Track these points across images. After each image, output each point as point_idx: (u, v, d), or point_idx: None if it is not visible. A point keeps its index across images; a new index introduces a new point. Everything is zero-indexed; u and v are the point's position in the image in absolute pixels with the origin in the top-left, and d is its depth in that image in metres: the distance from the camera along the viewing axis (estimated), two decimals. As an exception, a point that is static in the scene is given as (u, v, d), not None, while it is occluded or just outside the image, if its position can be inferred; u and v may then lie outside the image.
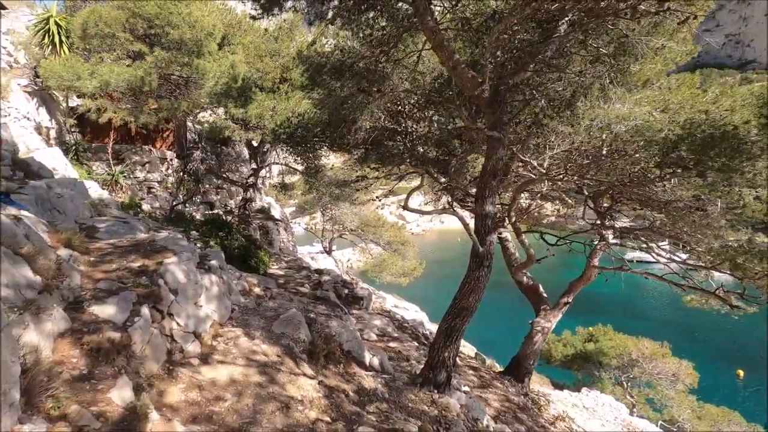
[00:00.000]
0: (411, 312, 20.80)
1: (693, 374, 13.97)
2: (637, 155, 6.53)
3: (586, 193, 8.30)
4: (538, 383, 15.19)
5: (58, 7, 9.93)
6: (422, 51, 6.42)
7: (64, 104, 9.76)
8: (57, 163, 7.88)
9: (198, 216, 11.24)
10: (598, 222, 7.99)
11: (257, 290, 7.17)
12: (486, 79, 5.08)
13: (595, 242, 8.33)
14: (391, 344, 6.74)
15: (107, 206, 7.69)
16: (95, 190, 7.77)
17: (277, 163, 17.89)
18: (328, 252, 22.11)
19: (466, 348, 16.12)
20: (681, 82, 8.03)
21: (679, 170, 6.33)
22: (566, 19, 5.69)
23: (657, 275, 7.47)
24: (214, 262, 5.36)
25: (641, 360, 14.33)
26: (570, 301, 8.59)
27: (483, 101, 5.13)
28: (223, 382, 3.27)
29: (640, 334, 15.39)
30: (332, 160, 19.09)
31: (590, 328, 17.10)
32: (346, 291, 9.03)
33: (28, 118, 8.46)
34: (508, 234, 9.19)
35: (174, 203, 9.75)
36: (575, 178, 6.99)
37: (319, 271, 11.83)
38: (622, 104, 6.83)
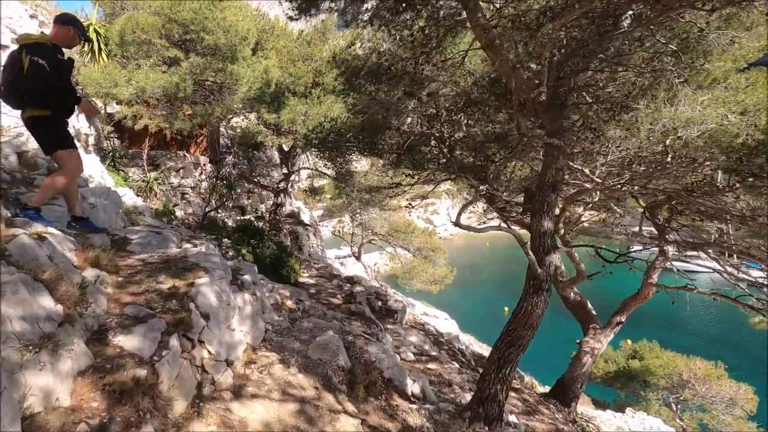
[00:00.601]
0: (441, 321, 20.23)
1: (753, 399, 12.80)
2: (708, 163, 5.84)
3: (643, 204, 7.60)
4: (579, 402, 14.32)
5: (98, 15, 10.05)
6: (468, 51, 5.95)
7: (103, 111, 9.82)
8: (93, 170, 7.84)
9: (230, 222, 11.12)
10: (648, 232, 7.28)
11: (289, 303, 6.87)
12: (543, 81, 4.58)
13: (651, 256, 7.61)
14: (431, 365, 6.28)
15: (141, 214, 7.58)
16: (130, 198, 7.67)
17: (307, 168, 17.74)
18: (357, 257, 21.82)
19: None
20: (753, 81, 7.23)
21: (757, 180, 5.61)
22: (629, 13, 5.12)
23: (729, 297, 6.69)
24: (247, 277, 5.06)
25: (693, 381, 13.25)
26: (623, 320, 7.89)
27: (539, 105, 4.63)
28: (256, 423, 2.91)
29: (690, 353, 14.28)
30: (363, 165, 18.84)
31: (633, 344, 16.05)
32: (380, 303, 8.63)
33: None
34: (499, 231, 8.54)
35: (207, 210, 9.62)
36: (635, 188, 6.34)
37: (351, 280, 11.49)
38: (689, 106, 6.15)
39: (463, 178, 10.14)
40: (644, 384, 14.37)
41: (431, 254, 19.56)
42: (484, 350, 16.66)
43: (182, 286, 3.47)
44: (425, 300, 23.88)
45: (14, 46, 3.39)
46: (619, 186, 6.37)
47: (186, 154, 13.02)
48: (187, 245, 5.89)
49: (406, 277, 19.72)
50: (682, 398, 13.83)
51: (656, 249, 7.42)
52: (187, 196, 11.29)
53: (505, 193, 10.46)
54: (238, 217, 13.28)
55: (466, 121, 9.10)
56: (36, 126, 3.28)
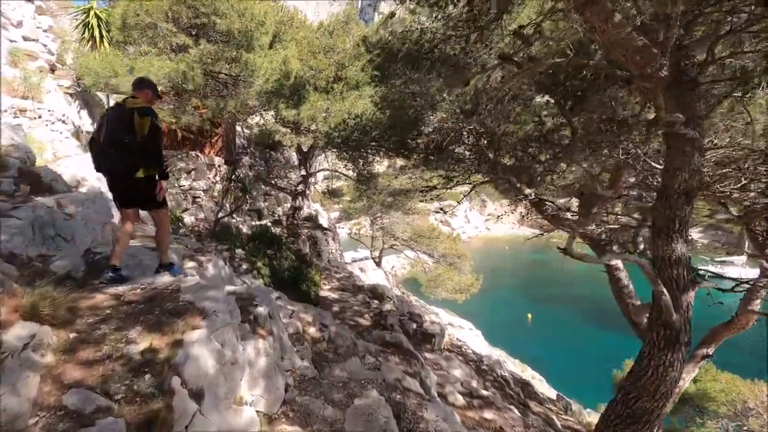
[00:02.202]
0: (467, 331, 18.88)
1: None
2: None
3: (735, 213, 6.19)
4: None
5: None
6: (543, 19, 4.65)
7: (106, 104, 8.81)
8: (89, 172, 6.79)
9: (245, 228, 10.01)
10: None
11: (312, 331, 5.67)
12: (667, 49, 3.29)
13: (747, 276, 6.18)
14: (487, 414, 5.01)
15: (143, 223, 6.49)
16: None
17: (327, 170, 16.61)
18: (378, 263, 20.60)
19: (539, 383, 14.02)
20: None
21: None
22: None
23: None
24: (261, 310, 3.87)
25: (761, 409, 11.65)
26: (711, 354, 6.47)
27: (659, 83, 3.33)
28: None
29: (750, 374, 12.64)
30: (382, 167, 17.63)
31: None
32: (414, 326, 7.38)
33: (63, 122, 7.51)
34: (618, 260, 7.19)
35: (219, 215, 8.52)
36: (750, 193, 4.96)
37: (376, 293, 10.27)
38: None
39: (507, 182, 8.85)
40: (700, 410, 12.76)
41: (456, 261, 18.22)
42: (517, 367, 15.26)
43: (164, 346, 2.28)
44: (448, 308, 22.56)
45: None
46: (727, 192, 4.99)
47: (199, 155, 11.99)
48: (189, 265, 4.74)
49: (431, 285, 18.41)
50: (746, 429, 12.20)
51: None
52: (198, 200, 10.23)
53: (550, 196, 9.12)
54: (254, 222, 12.19)
55: (516, 113, 7.81)
56: (147, 185, 3.38)
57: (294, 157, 19.04)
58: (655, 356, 2.97)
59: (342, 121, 10.43)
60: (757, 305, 5.95)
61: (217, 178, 13.27)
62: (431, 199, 10.17)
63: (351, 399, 3.33)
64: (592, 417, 11.06)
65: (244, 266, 7.37)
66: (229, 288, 4.25)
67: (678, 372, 2.93)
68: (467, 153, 9.43)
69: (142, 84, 3.53)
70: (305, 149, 15.61)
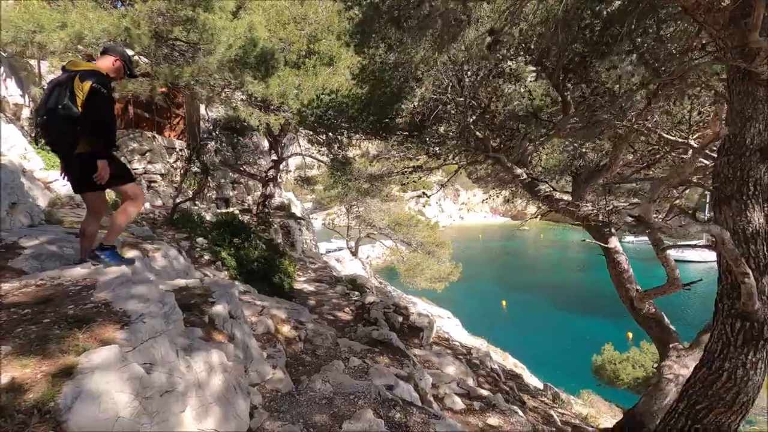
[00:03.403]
0: (446, 321, 18.43)
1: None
2: None
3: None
4: (608, 413, 12.65)
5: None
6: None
7: (37, 72, 7.53)
8: (11, 147, 5.63)
9: (208, 216, 8.96)
10: None
11: (286, 330, 4.82)
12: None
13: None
14: (491, 419, 4.33)
15: (78, 207, 5.42)
16: (63, 185, 5.48)
17: (300, 154, 15.57)
18: (354, 253, 19.77)
19: (522, 371, 13.64)
20: None
21: None
22: None
23: None
24: (219, 310, 3.00)
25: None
26: (717, 339, 6.04)
27: (718, 15, 2.65)
28: None
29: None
30: (356, 153, 16.76)
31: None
32: (401, 319, 6.63)
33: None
34: (617, 242, 6.66)
35: (177, 201, 7.47)
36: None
37: (355, 284, 9.47)
38: None
39: (496, 161, 8.19)
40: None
41: (435, 249, 17.62)
42: (500, 356, 14.87)
43: (40, 379, 1.39)
44: (426, 297, 22.06)
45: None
46: None
47: (156, 136, 10.75)
48: (131, 254, 3.79)
49: (409, 274, 17.76)
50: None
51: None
52: (155, 184, 9.08)
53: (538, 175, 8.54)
54: (219, 210, 11.11)
55: (512, 86, 7.11)
56: (88, 162, 2.80)
57: (264, 143, 17.87)
58: (731, 356, 2.32)
59: (315, 97, 9.48)
60: None
61: (179, 163, 12.05)
62: (413, 181, 9.43)
63: (338, 422, 2.53)
64: (579, 406, 10.70)
65: (207, 257, 6.40)
66: (177, 282, 3.35)
67: (762, 375, 2.29)
68: (451, 133, 8.71)
69: (108, 50, 3.09)
70: (276, 132, 14.53)
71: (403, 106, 8.88)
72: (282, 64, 9.88)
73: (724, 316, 2.37)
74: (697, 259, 37.17)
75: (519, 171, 7.89)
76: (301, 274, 9.89)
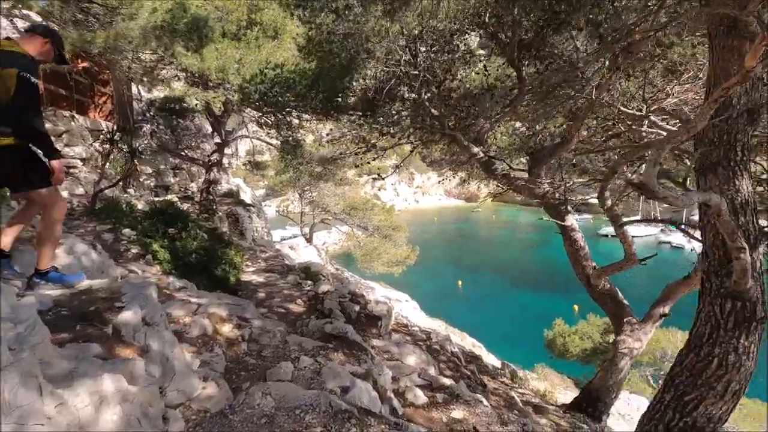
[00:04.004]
0: (404, 304, 18.32)
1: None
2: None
3: (688, 164, 5.77)
4: (560, 385, 13.08)
5: None
6: None
7: None
8: None
9: (140, 205, 8.01)
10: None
11: (227, 330, 4.25)
12: None
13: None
14: (455, 412, 4.04)
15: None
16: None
17: (246, 136, 14.57)
18: (309, 240, 19.08)
19: (479, 350, 13.78)
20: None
21: None
22: None
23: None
24: (128, 316, 2.41)
25: (675, 354, 12.40)
26: (668, 312, 6.13)
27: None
28: None
29: (669, 325, 13.46)
30: (308, 136, 15.98)
31: (603, 317, 15.05)
32: (357, 308, 6.21)
33: None
34: (574, 220, 6.57)
35: (98, 188, 6.52)
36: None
37: (309, 273, 8.93)
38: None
39: (452, 140, 7.86)
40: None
41: (392, 233, 17.32)
42: (458, 336, 14.95)
43: None
44: (384, 282, 21.85)
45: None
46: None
47: (75, 116, 9.47)
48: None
49: (366, 259, 17.38)
50: (662, 372, 13.02)
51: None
52: (74, 170, 7.96)
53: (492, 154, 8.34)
54: (154, 198, 10.08)
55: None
56: (13, 157, 2.45)
57: (207, 126, 16.60)
58: (721, 340, 2.08)
59: (259, 72, 8.66)
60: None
61: (106, 147, 10.78)
62: (367, 162, 8.94)
63: (281, 447, 2.05)
64: (535, 380, 10.90)
65: (134, 250, 5.60)
66: (84, 283, 2.70)
67: (755, 360, 2.07)
68: (405, 112, 8.28)
69: (36, 30, 2.67)
70: (218, 113, 13.44)
71: (354, 82, 8.31)
72: (219, 35, 8.95)
73: (711, 296, 2.13)
74: (635, 234, 39.75)
75: (476, 150, 7.61)
76: (250, 264, 9.19)
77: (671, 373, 2.32)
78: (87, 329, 2.20)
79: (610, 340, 13.93)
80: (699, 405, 2.10)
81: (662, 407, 2.26)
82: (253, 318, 4.80)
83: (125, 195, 8.41)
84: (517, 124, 10.57)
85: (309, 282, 7.33)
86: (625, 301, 6.54)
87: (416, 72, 6.66)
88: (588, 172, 8.87)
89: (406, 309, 17.50)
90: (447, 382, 4.92)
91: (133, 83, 14.09)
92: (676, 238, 39.53)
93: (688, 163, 5.85)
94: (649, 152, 1.76)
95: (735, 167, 2.13)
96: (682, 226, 3.21)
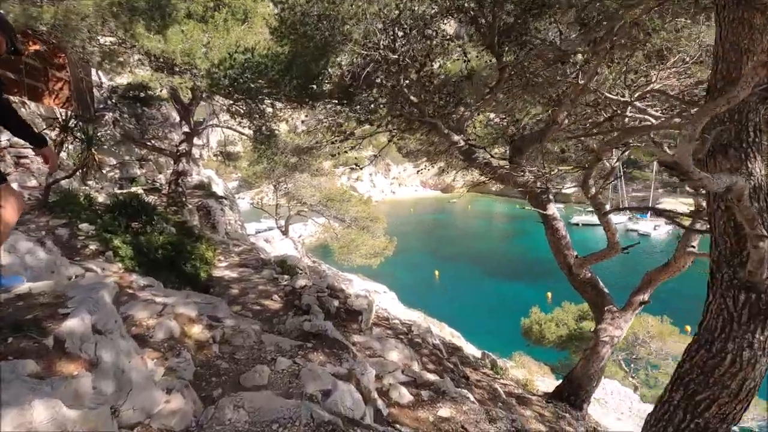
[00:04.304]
0: (383, 296, 18.17)
1: (705, 353, 12.63)
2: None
3: (670, 152, 5.75)
4: (538, 372, 13.25)
5: None
6: None
7: None
8: None
9: (101, 198, 7.46)
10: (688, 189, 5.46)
11: (197, 331, 3.92)
12: None
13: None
14: (442, 410, 3.86)
15: None
16: None
17: (216, 125, 13.96)
18: (284, 232, 18.60)
19: (458, 339, 13.77)
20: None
21: None
22: None
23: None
24: (73, 324, 2.07)
25: (648, 340, 12.76)
26: (647, 300, 6.15)
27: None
28: None
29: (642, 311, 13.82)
30: (282, 127, 15.47)
31: (577, 305, 15.33)
32: (336, 303, 5.95)
33: None
34: (555, 209, 6.49)
35: (51, 179, 5.98)
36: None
37: (285, 266, 8.59)
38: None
39: (432, 128, 7.64)
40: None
41: (369, 224, 17.07)
42: (437, 327, 14.90)
43: None
44: (362, 273, 21.63)
45: None
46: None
47: (26, 102, 8.73)
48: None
49: (344, 251, 17.08)
50: (635, 357, 13.39)
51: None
52: (25, 161, 7.30)
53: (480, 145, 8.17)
54: (117, 190, 9.47)
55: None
56: None
57: (174, 114, 15.82)
58: (735, 335, 1.94)
59: (228, 56, 8.16)
60: (695, 246, 5.62)
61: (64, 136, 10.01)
62: (345, 151, 8.61)
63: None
64: (513, 368, 10.94)
65: (93, 246, 5.14)
66: (23, 286, 2.33)
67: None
68: (383, 98, 7.99)
69: None
70: (185, 100, 12.77)
71: (330, 68, 7.96)
72: (184, 16, 8.39)
73: (723, 288, 1.99)
74: (599, 222, 40.76)
75: (456, 138, 7.41)
76: (222, 258, 8.76)
77: (680, 370, 2.18)
78: (21, 342, 1.86)
79: (585, 326, 14.22)
80: (712, 405, 1.96)
81: (671, 407, 2.11)
82: (225, 317, 4.47)
83: (84, 187, 7.81)
84: (491, 115, 10.48)
85: (285, 276, 7.00)
86: (606, 290, 6.53)
87: (395, 56, 6.37)
88: (567, 161, 8.84)
89: (385, 300, 17.35)
90: (431, 377, 4.75)
91: (92, 68, 13.22)
92: (643, 226, 40.91)
93: (668, 150, 5.81)
94: (687, 125, 1.56)
95: (747, 149, 1.98)
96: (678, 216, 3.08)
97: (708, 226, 4.96)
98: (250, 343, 3.97)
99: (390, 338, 5.62)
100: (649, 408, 10.91)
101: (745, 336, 1.93)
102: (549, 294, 26.77)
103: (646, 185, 47.04)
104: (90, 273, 4.40)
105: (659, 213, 5.16)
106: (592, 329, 14.00)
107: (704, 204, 5.55)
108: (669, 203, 44.43)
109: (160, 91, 12.48)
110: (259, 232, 34.34)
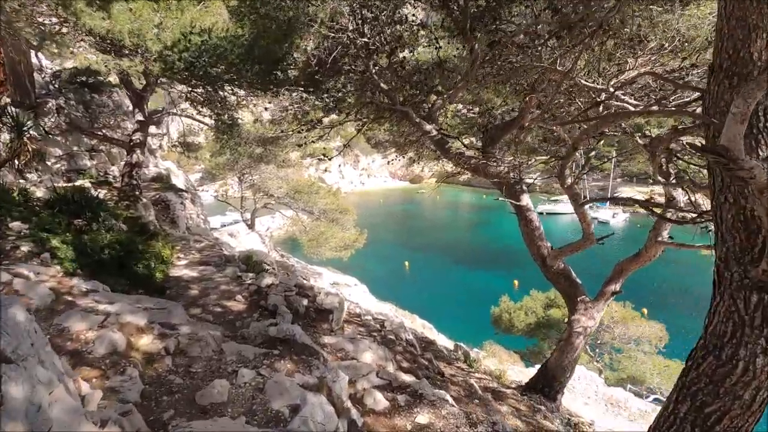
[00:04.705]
0: (354, 289, 17.88)
1: (665, 335, 13.15)
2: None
3: (641, 142, 5.71)
4: (508, 361, 13.40)
5: None
6: None
7: None
8: None
9: (40, 192, 6.71)
10: (660, 179, 5.44)
11: (146, 343, 3.49)
12: None
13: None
14: (419, 417, 3.61)
15: None
16: None
17: (171, 113, 13.11)
18: (251, 226, 17.89)
19: (430, 331, 13.70)
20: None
21: None
22: None
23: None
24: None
25: (612, 325, 13.14)
26: (618, 290, 6.15)
27: None
28: None
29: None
30: (246, 115, 14.76)
31: (544, 293, 15.60)
32: (305, 302, 5.58)
33: None
34: (528, 199, 6.37)
35: (-25, 172, 5.25)
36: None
37: (250, 263, 8.10)
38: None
39: (404, 116, 7.33)
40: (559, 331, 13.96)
41: (339, 216, 16.66)
42: (408, 318, 14.78)
43: None
44: (331, 266, 21.22)
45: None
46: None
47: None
48: None
49: (313, 245, 16.61)
50: (600, 342, 13.77)
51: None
52: (-52, 151, 6.44)
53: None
54: (61, 184, 8.64)
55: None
56: None
57: (128, 102, 14.74)
58: (747, 340, 1.76)
59: (182, 37, 7.52)
60: (665, 236, 5.63)
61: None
62: (312, 141, 8.18)
63: None
64: (486, 360, 10.95)
65: (26, 248, 4.53)
66: None
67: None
68: (351, 86, 7.61)
69: None
70: (138, 85, 11.88)
71: (295, 53, 7.49)
72: (133, -6, 7.64)
73: (733, 288, 1.81)
74: (563, 211, 42.06)
75: (428, 127, 7.15)
76: (182, 256, 8.16)
77: (685, 379, 2.00)
78: None
79: (552, 314, 14.48)
80: (723, 417, 1.79)
81: (677, 420, 1.93)
82: (181, 323, 4.03)
83: (21, 181, 7.02)
84: (459, 106, 10.31)
85: (251, 275, 6.56)
86: (578, 280, 6.49)
87: (364, 40, 5.99)
88: (537, 151, 8.78)
89: (356, 293, 17.07)
90: (407, 379, 4.50)
91: (32, 50, 12.05)
92: (603, 214, 42.42)
93: (639, 141, 5.77)
94: (736, 101, 1.32)
95: (758, 135, 1.80)
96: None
97: (678, 216, 4.92)
98: (209, 353, 3.57)
99: (363, 338, 5.33)
100: (615, 391, 11.13)
101: (759, 341, 1.76)
102: (516, 282, 27.33)
103: (605, 175, 48.82)
104: (19, 279, 3.84)
105: (633, 204, 5.12)
106: (563, 318, 14.28)
107: (675, 195, 5.56)
108: (627, 192, 46.28)
109: (108, 75, 11.53)
110: (225, 226, 33.14)
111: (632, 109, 4.21)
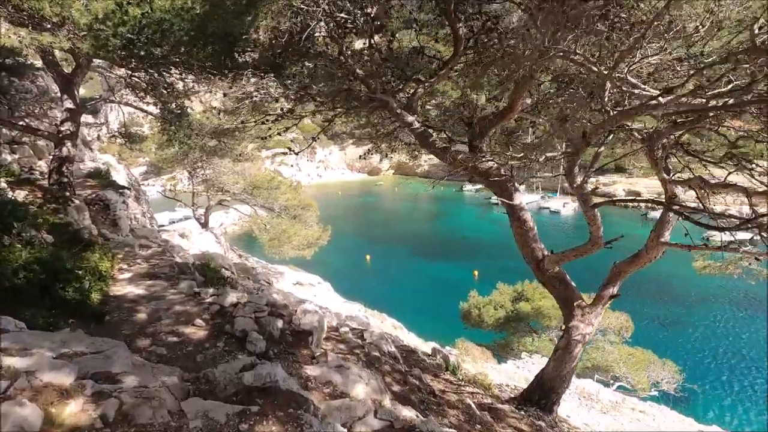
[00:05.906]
0: (318, 288, 16.95)
1: (629, 326, 13.41)
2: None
3: (638, 136, 5.32)
4: (481, 358, 13.12)
5: None
6: None
7: None
8: None
9: (-68, 196, 5.28)
10: (664, 177, 5.09)
11: (74, 412, 2.58)
12: None
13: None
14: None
15: None
16: None
17: (111, 100, 11.52)
18: (204, 225, 16.40)
19: (401, 331, 13.12)
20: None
21: None
22: None
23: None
24: None
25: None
26: (616, 293, 5.78)
27: None
28: None
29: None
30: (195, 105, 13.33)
31: (513, 285, 15.53)
32: (280, 323, 4.70)
33: None
34: (522, 198, 5.85)
35: None
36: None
37: (213, 276, 7.04)
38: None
39: (382, 105, 6.54)
40: (536, 326, 13.93)
41: (301, 213, 15.63)
42: (377, 318, 14.12)
43: None
44: (292, 264, 20.09)
45: None
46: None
47: None
48: None
49: (274, 244, 15.47)
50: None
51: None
52: None
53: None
54: (-36, 185, 7.09)
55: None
56: None
57: (55, 87, 12.80)
58: None
59: (117, 7, 6.24)
60: (667, 236, 5.29)
61: None
62: (277, 134, 7.19)
63: None
64: (465, 363, 10.50)
65: None
66: None
67: None
68: (322, 72, 6.70)
69: None
70: (66, 68, 10.22)
71: (258, 31, 6.49)
72: (52, -49, 6.25)
73: None
74: (553, 208, 43.14)
75: (410, 119, 6.40)
76: (126, 267, 6.92)
77: None
78: None
79: (521, 307, 14.38)
80: None
81: None
82: (124, 372, 3.07)
83: None
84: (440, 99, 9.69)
85: (210, 290, 5.55)
86: (573, 283, 6.07)
87: (343, 16, 5.12)
88: (526, 146, 8.30)
89: (321, 292, 16.18)
90: (408, 414, 3.80)
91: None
92: (554, 203, 43.96)
93: (637, 135, 5.36)
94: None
95: None
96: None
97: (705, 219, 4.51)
98: (164, 418, 2.65)
99: (350, 365, 4.53)
100: (585, 383, 10.92)
101: None
102: (475, 272, 27.50)
103: (582, 164, 50.79)
104: None
105: (648, 203, 4.75)
106: (532, 311, 14.18)
107: (676, 191, 5.21)
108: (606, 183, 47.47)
109: (28, 55, 9.84)
110: (174, 223, 30.70)
111: (661, 99, 3.69)
